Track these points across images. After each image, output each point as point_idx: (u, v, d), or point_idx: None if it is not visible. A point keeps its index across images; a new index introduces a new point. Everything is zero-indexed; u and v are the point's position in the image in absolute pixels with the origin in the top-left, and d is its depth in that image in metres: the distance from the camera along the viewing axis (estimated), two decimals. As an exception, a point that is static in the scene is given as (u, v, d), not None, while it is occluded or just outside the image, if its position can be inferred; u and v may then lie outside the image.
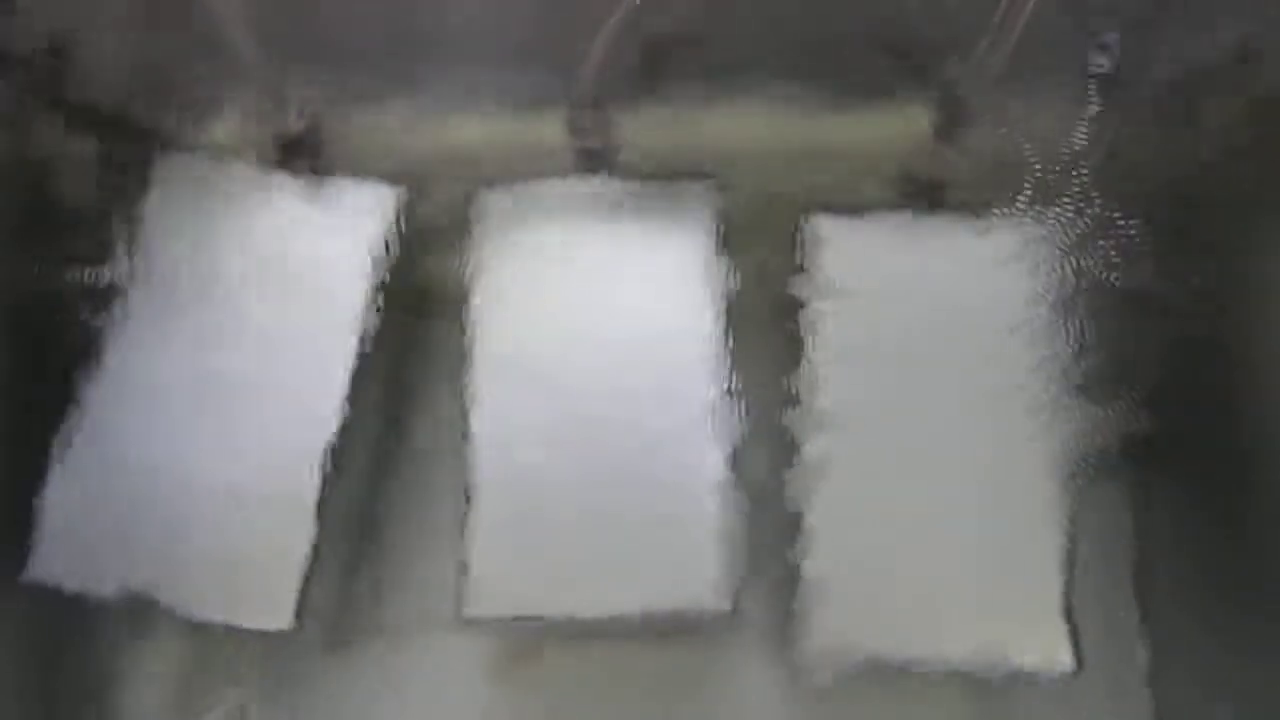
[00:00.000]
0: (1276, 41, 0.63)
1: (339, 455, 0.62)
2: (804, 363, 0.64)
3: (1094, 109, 0.72)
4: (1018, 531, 0.61)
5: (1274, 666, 0.58)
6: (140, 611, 0.60)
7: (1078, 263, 0.66)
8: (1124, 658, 0.67)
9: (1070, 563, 0.59)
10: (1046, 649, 0.58)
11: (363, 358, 0.64)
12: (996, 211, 0.66)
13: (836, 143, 0.72)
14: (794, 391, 0.63)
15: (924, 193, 0.66)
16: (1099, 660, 0.62)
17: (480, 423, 0.63)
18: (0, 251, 0.64)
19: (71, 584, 0.60)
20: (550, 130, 0.69)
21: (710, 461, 0.62)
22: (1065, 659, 0.58)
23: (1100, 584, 0.65)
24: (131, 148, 0.70)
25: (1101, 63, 0.69)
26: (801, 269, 0.65)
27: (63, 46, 0.67)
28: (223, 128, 0.72)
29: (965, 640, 0.59)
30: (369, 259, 0.66)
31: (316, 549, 0.61)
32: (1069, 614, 0.59)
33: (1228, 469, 0.63)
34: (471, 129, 0.73)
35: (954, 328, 0.64)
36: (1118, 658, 0.67)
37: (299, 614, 0.60)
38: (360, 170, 0.68)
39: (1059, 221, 0.66)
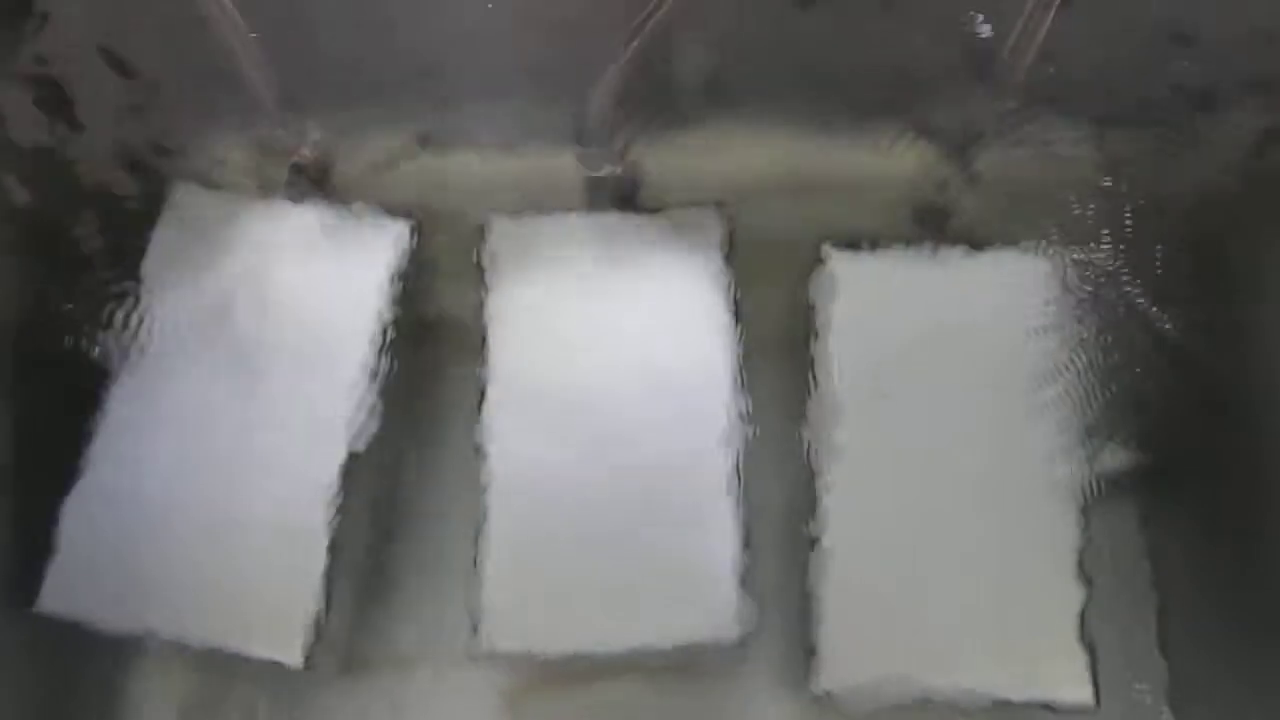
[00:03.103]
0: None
1: (350, 487, 0.62)
2: (816, 392, 0.64)
3: (1102, 141, 0.73)
4: (1034, 562, 0.61)
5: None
6: (151, 642, 0.60)
7: (1088, 293, 0.66)
8: (1142, 687, 0.67)
9: (1087, 593, 0.59)
10: (1065, 680, 0.58)
11: (374, 391, 0.64)
12: (1006, 242, 0.66)
13: (847, 174, 0.73)
14: (806, 421, 0.64)
15: (934, 223, 0.67)
16: (1117, 691, 0.62)
17: (493, 453, 0.63)
18: (13, 284, 0.65)
19: (84, 615, 0.60)
20: (563, 162, 0.69)
21: (724, 493, 0.62)
22: (1084, 691, 0.58)
23: (1117, 614, 0.65)
24: (144, 179, 0.71)
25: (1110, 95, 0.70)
26: (812, 299, 0.66)
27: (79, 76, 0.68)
28: (236, 159, 0.73)
29: (983, 671, 0.59)
30: (381, 290, 0.66)
31: (328, 581, 0.61)
32: (1087, 645, 0.59)
33: (1240, 499, 0.64)
34: (485, 160, 0.74)
35: (965, 358, 0.65)
36: (1136, 688, 0.66)
37: (310, 646, 0.59)
38: (373, 201, 0.69)
39: (1068, 252, 0.66)
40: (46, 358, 0.65)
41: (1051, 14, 0.59)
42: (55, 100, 0.68)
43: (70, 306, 0.66)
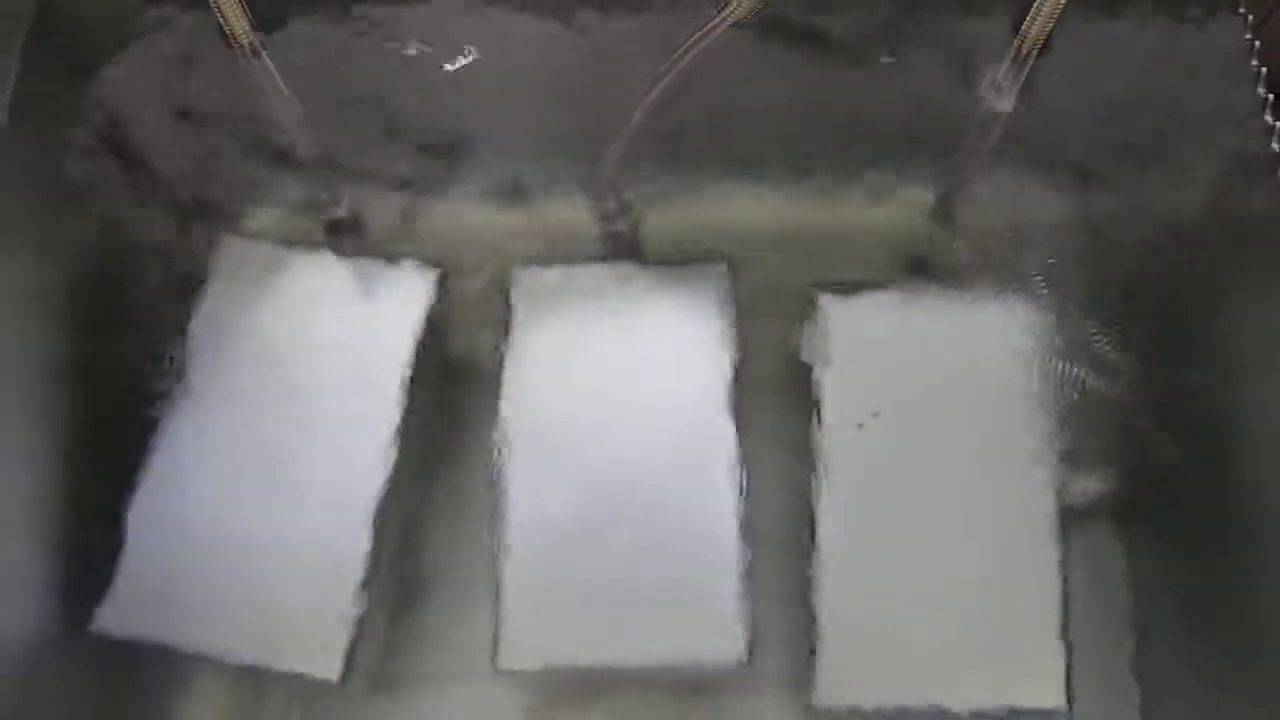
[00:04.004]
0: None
1: (382, 516, 0.66)
2: (812, 428, 0.67)
3: (1082, 188, 0.77)
4: (1016, 583, 0.64)
5: (1260, 704, 0.61)
6: (198, 659, 0.64)
7: (1067, 332, 0.70)
8: (1119, 699, 0.68)
9: (1065, 611, 0.62)
10: (1044, 690, 0.61)
11: (404, 426, 0.68)
12: (989, 286, 0.70)
13: (840, 225, 0.77)
14: (803, 454, 0.67)
15: (921, 270, 0.71)
16: (1096, 702, 0.65)
17: (512, 486, 0.67)
18: (75, 329, 0.69)
19: (133, 636, 0.63)
20: (578, 217, 0.74)
21: (726, 521, 0.65)
22: (1061, 699, 0.61)
23: (1097, 632, 0.67)
24: (193, 234, 0.75)
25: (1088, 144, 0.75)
26: (808, 341, 0.70)
27: (132, 139, 0.74)
28: (276, 214, 0.78)
29: (969, 685, 0.62)
30: (410, 335, 0.70)
31: (362, 603, 0.64)
32: (1065, 659, 0.62)
33: (1211, 523, 0.66)
34: (507, 215, 0.78)
35: (952, 394, 0.68)
36: (1114, 699, 0.68)
37: (346, 663, 0.63)
38: (403, 253, 0.73)
39: (1046, 295, 0.70)
40: (102, 396, 0.69)
41: (1029, 66, 0.63)
42: (114, 159, 0.73)
43: (126, 348, 0.70)
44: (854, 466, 0.67)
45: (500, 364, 0.70)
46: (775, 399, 0.71)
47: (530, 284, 0.72)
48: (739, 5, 0.59)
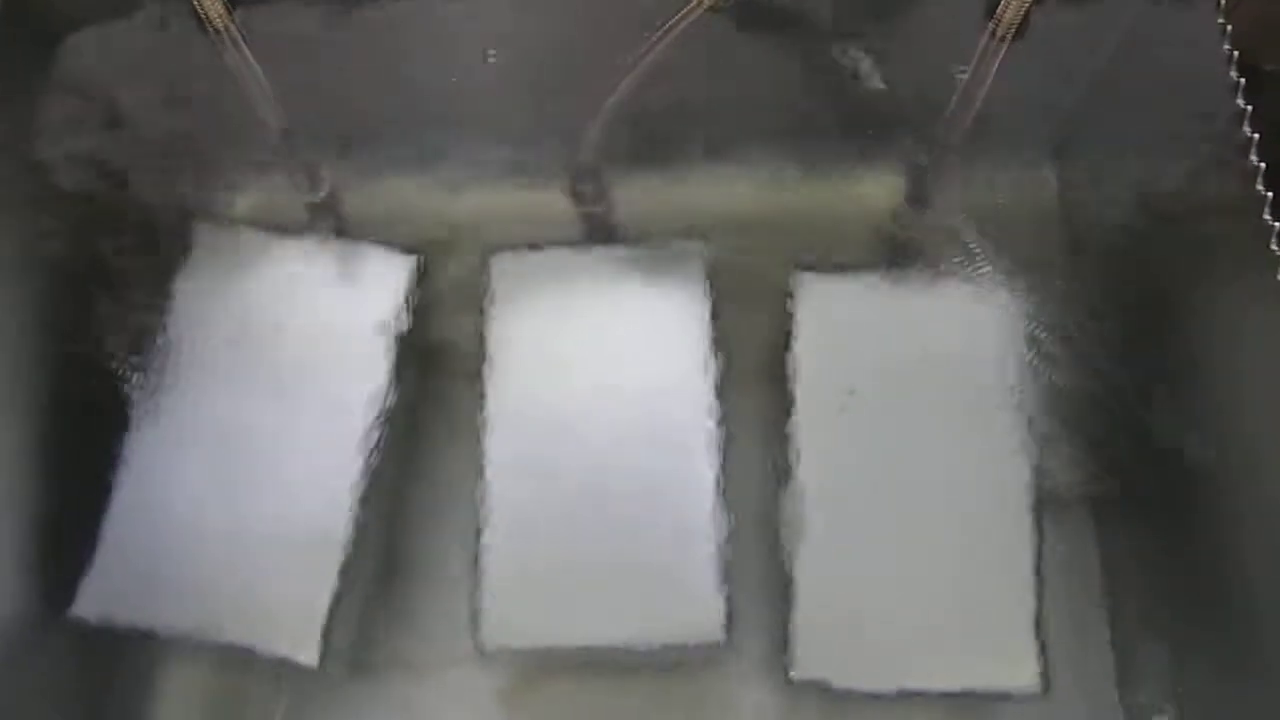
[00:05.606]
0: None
1: (361, 500, 0.66)
2: (789, 408, 0.68)
3: (1058, 172, 0.78)
4: (991, 565, 0.64)
5: (1235, 684, 0.62)
6: (178, 644, 0.64)
7: (1042, 315, 0.70)
8: (1098, 680, 0.69)
9: (1040, 593, 0.63)
10: (1019, 672, 0.62)
11: (383, 410, 0.68)
12: (963, 270, 0.70)
13: (816, 207, 0.77)
14: (780, 435, 0.67)
15: (896, 252, 0.71)
16: (1075, 683, 0.65)
17: (491, 468, 0.67)
18: (51, 313, 0.69)
19: (113, 620, 0.63)
20: (555, 200, 0.74)
21: (704, 501, 0.66)
22: (1036, 681, 0.62)
23: (1073, 614, 0.68)
24: (171, 217, 0.75)
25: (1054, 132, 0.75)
26: (785, 322, 0.70)
27: (109, 122, 0.73)
28: (254, 198, 0.78)
29: (945, 666, 0.63)
30: (388, 319, 0.71)
31: (341, 587, 0.64)
32: (1039, 640, 0.62)
33: (1186, 506, 0.67)
34: (484, 199, 0.78)
35: (928, 377, 0.68)
36: (1092, 680, 0.68)
37: (325, 648, 0.63)
38: (381, 238, 0.73)
39: (1022, 278, 0.71)
40: (83, 382, 0.69)
41: (1005, 49, 0.64)
42: (90, 140, 0.72)
43: (105, 335, 0.70)
44: (831, 447, 0.67)
45: (479, 348, 0.70)
46: (752, 380, 0.71)
47: (509, 268, 0.73)
48: (714, -12, 0.60)
